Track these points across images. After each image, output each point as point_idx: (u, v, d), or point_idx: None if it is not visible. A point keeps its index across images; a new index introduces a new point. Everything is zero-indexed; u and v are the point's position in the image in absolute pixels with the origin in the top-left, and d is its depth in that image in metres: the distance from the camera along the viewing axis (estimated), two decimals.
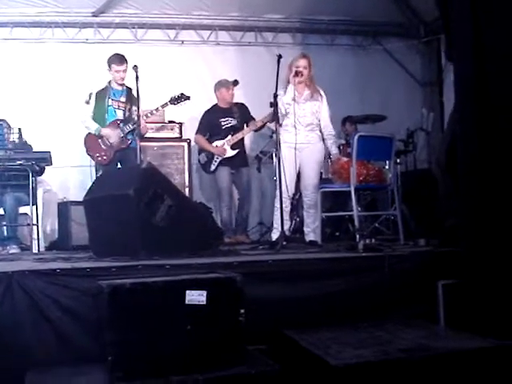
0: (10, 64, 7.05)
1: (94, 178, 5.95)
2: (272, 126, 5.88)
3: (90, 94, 6.01)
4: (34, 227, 5.51)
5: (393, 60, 8.10)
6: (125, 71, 5.97)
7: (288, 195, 5.25)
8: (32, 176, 5.33)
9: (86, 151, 6.03)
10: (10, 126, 5.75)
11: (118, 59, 5.97)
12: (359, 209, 5.29)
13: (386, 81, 7.88)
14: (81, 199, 5.79)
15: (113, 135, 5.92)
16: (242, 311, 2.92)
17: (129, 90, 6.05)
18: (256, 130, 6.55)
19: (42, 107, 6.96)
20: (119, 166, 6.01)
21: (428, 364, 2.82)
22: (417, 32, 8.11)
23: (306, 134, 5.39)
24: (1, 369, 2.98)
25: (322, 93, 5.47)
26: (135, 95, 5.88)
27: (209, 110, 6.63)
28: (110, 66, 5.99)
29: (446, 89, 7.89)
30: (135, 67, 5.45)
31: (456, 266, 3.63)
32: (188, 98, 6.10)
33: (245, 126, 6.52)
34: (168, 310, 2.82)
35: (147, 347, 2.76)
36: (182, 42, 7.58)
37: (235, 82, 6.66)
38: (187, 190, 6.68)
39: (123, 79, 6.01)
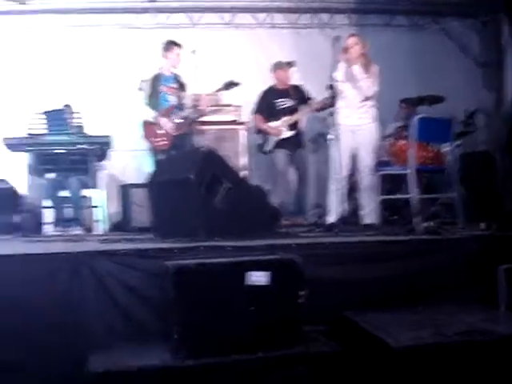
0: (69, 50, 7.23)
1: (151, 162, 6.10)
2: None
3: (143, 81, 6.11)
4: (97, 209, 5.68)
5: (451, 40, 7.93)
6: (179, 55, 6.06)
7: (341, 177, 5.24)
8: (94, 160, 5.49)
9: (144, 137, 6.14)
10: (73, 111, 5.91)
11: (177, 44, 6.07)
12: (417, 191, 5.23)
13: (444, 61, 7.73)
14: (139, 182, 6.01)
15: (169, 122, 6.01)
16: (303, 292, 2.97)
17: (178, 75, 6.13)
18: (313, 113, 6.54)
19: (100, 92, 7.12)
20: (175, 151, 6.09)
21: (487, 347, 2.82)
22: (475, 11, 7.92)
23: (359, 116, 5.37)
24: (67, 347, 3.10)
25: (375, 69, 5.39)
26: (184, 81, 6.01)
27: (266, 91, 6.66)
28: (168, 49, 6.07)
29: (505, 69, 7.69)
30: (193, 52, 5.51)
31: None
32: (238, 84, 6.12)
33: (302, 107, 6.52)
34: (231, 290, 2.89)
35: (211, 326, 2.84)
36: (238, 25, 7.61)
37: (291, 64, 6.66)
38: (244, 172, 6.74)
39: (178, 64, 6.09)
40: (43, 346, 3.07)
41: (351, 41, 5.35)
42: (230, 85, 6.11)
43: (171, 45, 6.09)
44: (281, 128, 6.45)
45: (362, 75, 5.30)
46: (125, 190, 6.14)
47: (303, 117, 6.64)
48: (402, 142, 5.51)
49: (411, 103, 6.76)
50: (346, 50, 5.26)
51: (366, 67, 5.34)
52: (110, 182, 6.74)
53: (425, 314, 3.31)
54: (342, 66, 5.28)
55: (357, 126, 5.32)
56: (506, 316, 3.36)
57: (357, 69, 5.30)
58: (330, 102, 5.24)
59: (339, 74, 5.24)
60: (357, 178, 5.55)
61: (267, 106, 6.57)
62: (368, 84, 5.31)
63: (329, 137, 6.01)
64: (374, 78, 5.35)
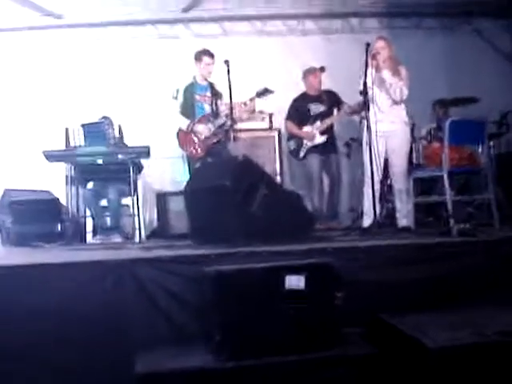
0: (104, 63, 7.41)
1: (186, 170, 6.20)
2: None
3: (178, 90, 6.17)
4: (135, 217, 5.82)
5: (483, 40, 7.88)
6: (212, 64, 6.15)
7: (376, 181, 5.27)
8: (132, 169, 5.63)
9: (179, 145, 6.23)
10: (112, 123, 6.07)
11: (209, 53, 6.16)
12: (452, 193, 5.24)
13: (477, 62, 7.67)
14: (176, 190, 6.13)
15: (204, 130, 6.11)
16: (339, 295, 3.02)
17: (212, 84, 6.24)
18: (345, 118, 6.59)
19: (136, 102, 7.27)
20: (210, 159, 6.15)
21: None
22: (508, 11, 7.85)
23: (391, 120, 5.39)
24: (113, 349, 3.21)
25: (404, 72, 5.39)
26: (219, 89, 6.11)
27: (298, 97, 6.74)
28: (200, 58, 6.17)
29: None
30: (226, 62, 5.60)
31: None
32: (272, 91, 6.18)
33: (334, 112, 6.57)
34: (269, 294, 2.96)
35: (249, 330, 2.91)
36: (270, 33, 7.70)
37: (322, 69, 6.71)
38: (278, 178, 6.82)
39: (211, 73, 6.19)
40: (89, 351, 3.18)
41: (379, 45, 5.36)
42: (264, 92, 6.17)
43: (201, 54, 6.19)
44: (314, 133, 6.51)
45: (392, 79, 5.31)
46: (162, 197, 6.26)
47: (336, 121, 6.69)
48: (435, 145, 5.53)
49: (445, 104, 6.76)
50: (373, 55, 5.27)
51: (395, 70, 5.35)
52: (147, 190, 6.88)
53: (462, 315, 3.32)
54: (370, 72, 5.29)
55: (389, 131, 5.35)
56: None
57: (386, 73, 5.32)
58: (362, 107, 5.26)
59: (369, 79, 5.26)
60: (391, 181, 5.57)
61: (300, 111, 6.64)
62: (398, 88, 5.31)
63: (363, 141, 6.10)
64: (404, 81, 5.35)
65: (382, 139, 5.31)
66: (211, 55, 6.16)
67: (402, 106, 5.43)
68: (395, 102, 5.36)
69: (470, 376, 2.80)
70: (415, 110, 5.84)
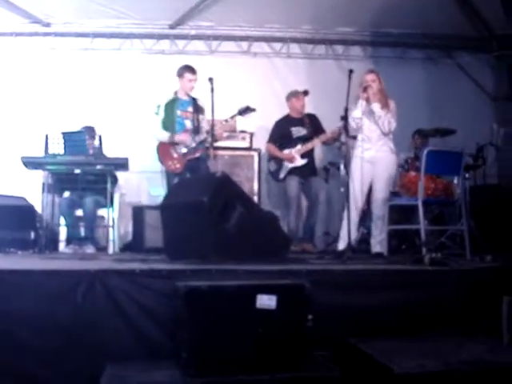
0: (89, 73, 7.41)
1: (165, 184, 6.21)
2: (342, 138, 5.99)
3: (159, 106, 6.20)
4: (110, 229, 5.80)
5: (464, 74, 8.03)
6: (196, 81, 6.19)
7: (355, 207, 5.33)
8: (110, 181, 5.62)
9: (159, 159, 6.22)
10: (94, 133, 6.07)
11: (192, 69, 6.21)
12: (426, 222, 5.31)
13: (457, 95, 7.81)
14: (152, 203, 6.13)
15: (185, 144, 6.13)
16: (310, 317, 3.04)
17: (195, 99, 6.27)
18: (325, 143, 6.67)
19: (118, 115, 7.28)
20: (189, 174, 6.18)
21: (490, 377, 2.87)
22: (488, 46, 8.03)
23: (377, 149, 5.46)
24: (81, 361, 3.18)
25: (393, 105, 5.49)
26: (201, 105, 6.15)
27: (280, 119, 6.80)
28: (182, 74, 6.20)
29: None
30: (210, 79, 5.63)
31: None
32: (253, 110, 6.21)
33: (315, 136, 6.63)
34: (240, 312, 2.96)
35: (219, 347, 2.91)
36: (255, 54, 7.79)
37: (305, 92, 6.78)
38: (256, 198, 6.85)
39: (192, 89, 6.23)
40: (56, 360, 3.15)
41: (369, 77, 5.45)
42: (246, 110, 6.21)
43: (183, 70, 6.22)
44: (295, 155, 6.56)
45: (381, 112, 5.39)
46: (138, 211, 6.25)
47: (317, 146, 6.74)
48: (412, 174, 5.62)
49: (423, 135, 6.86)
50: (364, 88, 5.37)
51: (384, 103, 5.44)
52: (124, 203, 6.86)
53: (429, 343, 3.36)
54: (360, 105, 5.39)
55: (375, 158, 5.41)
56: (509, 347, 3.41)
57: (376, 106, 5.40)
58: (343, 133, 5.33)
59: (358, 111, 5.35)
60: (370, 207, 5.62)
61: (282, 134, 6.69)
62: (387, 120, 5.39)
63: (341, 166, 6.17)
64: (392, 114, 5.43)
65: (367, 165, 5.37)
66: (193, 71, 6.20)
67: (390, 136, 5.50)
68: (383, 133, 5.44)
69: None
70: (394, 138, 5.92)
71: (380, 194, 5.41)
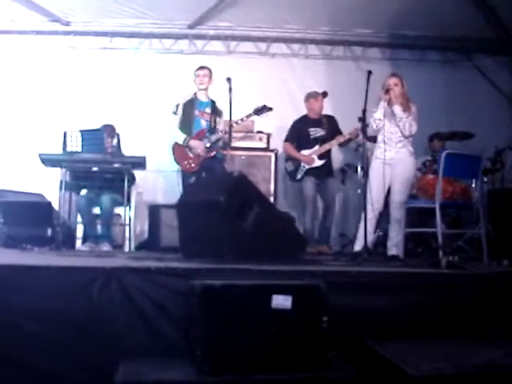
0: (108, 72, 7.47)
1: (181, 183, 6.24)
2: (359, 139, 5.98)
3: (178, 105, 6.28)
4: (127, 227, 5.83)
5: (482, 77, 7.98)
6: (205, 76, 6.27)
7: (373, 208, 5.30)
8: (127, 179, 5.65)
9: (174, 159, 6.28)
10: (114, 131, 6.11)
11: (203, 67, 6.35)
12: (443, 226, 5.27)
13: (475, 98, 7.77)
14: (168, 203, 6.15)
15: (200, 145, 6.16)
16: (325, 318, 3.03)
17: (213, 102, 6.32)
18: (342, 144, 6.66)
19: (136, 114, 7.32)
20: (204, 174, 6.22)
21: (506, 381, 2.84)
22: (507, 48, 7.97)
23: (397, 150, 5.42)
24: (95, 358, 3.20)
25: (414, 108, 5.46)
26: (219, 107, 6.20)
27: (298, 119, 6.80)
28: (196, 74, 6.33)
29: None
30: (228, 79, 5.66)
31: None
32: (270, 109, 6.25)
33: (333, 137, 6.62)
34: (255, 311, 2.95)
35: (234, 345, 2.91)
36: (273, 55, 7.79)
37: (324, 94, 6.78)
38: (272, 198, 6.84)
39: (202, 84, 6.28)
40: (71, 356, 3.17)
41: (392, 81, 5.43)
42: (262, 110, 6.23)
43: (198, 70, 6.34)
44: (312, 156, 6.55)
45: (402, 114, 5.37)
46: (154, 209, 6.28)
47: (334, 147, 6.73)
48: (429, 177, 5.58)
49: (441, 138, 6.82)
50: (387, 90, 5.36)
51: (406, 106, 5.41)
52: (140, 201, 6.89)
53: (445, 346, 3.33)
54: (382, 105, 5.38)
55: (394, 159, 5.38)
56: None
57: (397, 108, 5.37)
58: (360, 134, 5.31)
59: (379, 112, 5.34)
60: (388, 209, 5.59)
61: (299, 134, 6.69)
62: (408, 123, 5.36)
63: (358, 168, 6.14)
64: (414, 117, 5.41)
65: (387, 167, 5.34)
66: (205, 68, 6.31)
67: (410, 139, 5.47)
68: (404, 136, 5.41)
69: None
70: (413, 141, 5.89)
71: (398, 196, 5.38)
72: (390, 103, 5.40)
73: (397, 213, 5.36)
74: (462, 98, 7.75)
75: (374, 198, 5.19)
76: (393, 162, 5.39)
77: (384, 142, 5.37)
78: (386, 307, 3.59)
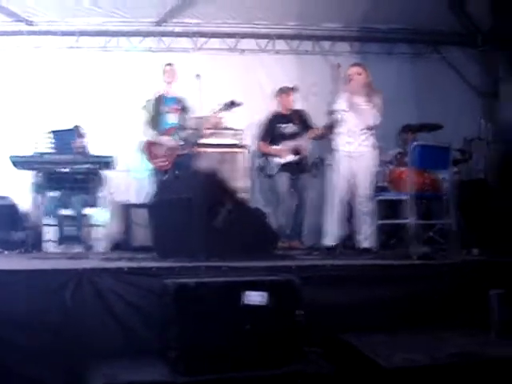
0: (76, 71, 7.33)
1: (154, 181, 6.19)
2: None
3: (148, 101, 6.26)
4: (98, 228, 5.77)
5: (451, 69, 8.04)
6: (172, 72, 6.30)
7: (339, 201, 5.30)
8: (97, 179, 5.59)
9: (146, 157, 6.24)
10: (82, 132, 6.04)
11: (169, 63, 6.37)
12: (414, 217, 5.31)
13: (444, 90, 7.82)
14: (140, 202, 6.10)
15: (170, 142, 6.12)
16: (300, 313, 3.04)
17: (182, 98, 6.28)
18: (316, 138, 6.65)
19: (105, 113, 7.21)
20: (176, 172, 6.17)
21: (477, 370, 2.88)
22: (475, 41, 8.05)
23: (359, 143, 5.43)
24: (69, 359, 3.17)
25: (379, 99, 5.44)
26: (188, 104, 6.19)
27: (270, 116, 6.78)
28: (164, 71, 6.33)
29: (503, 99, 7.80)
30: (197, 76, 5.63)
31: (508, 276, 3.66)
32: (239, 104, 6.23)
33: (305, 132, 6.62)
34: (229, 309, 2.96)
35: (208, 344, 2.90)
36: (242, 50, 7.76)
37: (294, 89, 6.78)
38: (245, 194, 6.82)
39: (168, 81, 6.28)
40: (45, 359, 3.15)
41: (353, 70, 5.39)
42: (231, 105, 6.21)
43: (166, 66, 6.33)
44: (285, 152, 6.54)
45: (365, 106, 5.36)
46: (126, 209, 6.22)
47: (306, 142, 6.73)
48: (400, 169, 5.61)
49: (411, 130, 6.86)
50: (348, 80, 5.33)
51: (370, 97, 5.38)
52: (112, 201, 6.82)
53: (418, 337, 3.37)
54: (344, 96, 5.34)
55: (356, 153, 5.39)
56: (496, 339, 3.42)
57: (360, 99, 5.36)
58: (331, 129, 5.31)
59: (341, 103, 5.31)
60: (355, 203, 5.61)
61: (272, 130, 6.67)
62: (371, 114, 5.35)
63: (327, 162, 6.15)
64: (378, 108, 5.39)
65: (349, 160, 5.34)
66: (171, 64, 6.34)
67: (373, 131, 5.47)
68: (367, 127, 5.40)
69: None
70: (382, 134, 5.92)
71: (363, 189, 5.39)
72: (352, 93, 5.37)
73: (364, 206, 5.37)
74: (431, 90, 7.79)
75: (338, 191, 5.17)
76: (355, 156, 5.38)
77: (346, 134, 5.35)
78: (360, 300, 3.62)
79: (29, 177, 5.81)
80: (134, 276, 3.42)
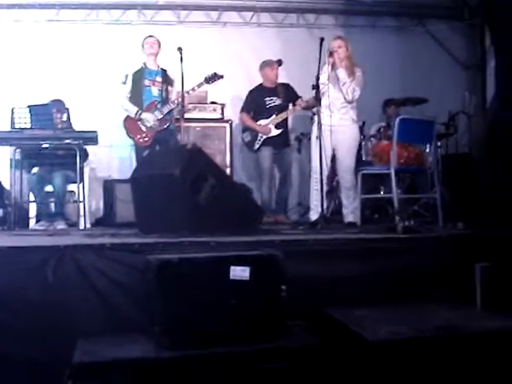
0: (55, 45, 7.23)
1: (135, 158, 6.13)
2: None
3: (127, 75, 6.17)
4: (81, 204, 5.71)
5: (436, 42, 8.01)
6: (154, 43, 6.21)
7: (323, 176, 5.28)
8: (79, 155, 5.51)
9: (127, 133, 6.18)
10: (64, 106, 5.94)
11: (152, 36, 6.27)
12: (399, 191, 5.31)
13: (429, 63, 7.80)
14: (123, 177, 6.04)
15: (151, 117, 6.04)
16: (284, 287, 3.02)
17: (164, 70, 6.20)
18: (303, 109, 6.59)
19: (86, 88, 7.13)
20: (158, 147, 6.12)
21: (463, 342, 2.89)
22: (460, 14, 8.02)
23: (340, 117, 5.41)
24: (52, 337, 3.14)
25: (360, 73, 5.43)
26: (171, 76, 6.10)
27: (254, 89, 6.72)
28: (143, 43, 6.23)
29: (488, 72, 7.78)
30: (179, 49, 5.55)
31: (493, 249, 3.67)
32: (221, 76, 6.17)
33: (290, 105, 6.57)
34: (213, 284, 2.93)
35: (193, 319, 2.88)
36: (225, 23, 7.67)
37: (279, 62, 6.71)
38: (228, 170, 6.79)
39: (151, 49, 6.20)
40: (28, 337, 3.10)
41: (336, 43, 5.40)
42: (213, 78, 6.14)
43: (144, 39, 6.25)
44: (269, 126, 6.49)
45: (346, 79, 5.35)
46: (109, 185, 6.16)
47: (290, 115, 6.69)
48: (384, 143, 5.60)
49: (395, 104, 6.84)
50: (331, 53, 5.31)
51: (351, 70, 5.38)
52: (94, 177, 6.76)
53: (403, 311, 3.38)
54: (326, 69, 5.32)
55: (337, 126, 5.37)
56: (482, 313, 3.44)
57: (341, 72, 5.35)
58: (315, 102, 5.27)
59: (323, 76, 5.28)
60: (338, 177, 5.60)
61: (255, 104, 6.61)
62: (351, 88, 5.35)
63: (311, 136, 6.12)
64: (358, 82, 5.39)
65: (329, 133, 5.31)
66: (153, 36, 6.25)
67: (354, 104, 5.46)
68: (347, 101, 5.39)
69: (409, 370, 2.85)
70: (366, 108, 5.90)
71: (344, 163, 5.40)
72: (333, 67, 5.36)
73: (346, 180, 5.39)
74: (415, 64, 7.77)
75: (320, 165, 5.14)
76: (335, 129, 5.36)
77: (327, 108, 5.33)
78: (345, 274, 3.61)
79: (7, 153, 5.71)
80: (116, 252, 3.37)
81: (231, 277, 2.94)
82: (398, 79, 7.63)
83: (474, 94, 7.46)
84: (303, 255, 3.58)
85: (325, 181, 5.28)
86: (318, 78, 5.07)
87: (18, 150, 5.55)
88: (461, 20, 8.05)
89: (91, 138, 5.53)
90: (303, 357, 2.93)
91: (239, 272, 2.95)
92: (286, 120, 6.62)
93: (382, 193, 6.06)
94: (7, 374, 3.07)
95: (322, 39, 5.06)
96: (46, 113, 5.50)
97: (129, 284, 3.29)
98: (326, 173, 5.31)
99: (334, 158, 5.49)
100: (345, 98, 5.38)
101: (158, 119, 6.04)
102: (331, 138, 5.31)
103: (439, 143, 6.48)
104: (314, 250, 3.66)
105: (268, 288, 3.01)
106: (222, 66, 6.74)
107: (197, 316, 2.89)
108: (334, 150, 5.41)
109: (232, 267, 2.95)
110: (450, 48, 8.06)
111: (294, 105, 6.53)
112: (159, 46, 6.22)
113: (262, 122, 6.53)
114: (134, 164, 5.99)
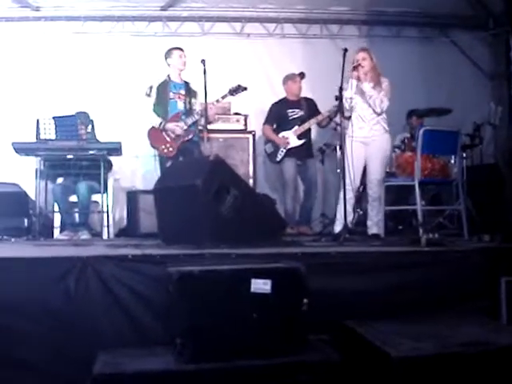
0: (81, 57, 7.31)
1: (159, 168, 6.15)
2: (337, 118, 5.92)
3: (151, 87, 6.14)
4: (105, 214, 5.75)
5: (460, 52, 7.95)
6: (185, 57, 6.16)
7: (352, 188, 5.26)
8: (103, 166, 5.56)
9: (151, 144, 6.17)
10: (88, 118, 5.99)
11: (178, 48, 6.20)
12: (423, 203, 5.26)
13: (453, 73, 7.75)
14: (146, 188, 6.07)
15: (176, 128, 6.06)
16: (305, 301, 2.99)
17: (187, 83, 6.21)
18: (322, 125, 6.60)
19: (110, 99, 7.20)
20: (181, 158, 6.12)
21: (487, 358, 2.83)
22: (485, 24, 7.93)
23: (370, 128, 5.39)
24: (74, 349, 3.14)
25: (386, 83, 5.39)
26: (194, 88, 6.09)
27: (277, 101, 6.74)
28: (170, 54, 6.18)
29: None
30: (203, 61, 5.56)
31: None
32: (245, 88, 6.16)
33: (312, 117, 6.56)
34: (234, 297, 2.91)
35: (213, 332, 2.86)
36: (248, 35, 7.69)
37: (301, 75, 6.72)
38: (251, 181, 6.79)
39: (184, 65, 6.16)
40: (49, 347, 3.12)
41: (360, 56, 5.37)
42: (237, 90, 6.14)
43: (170, 50, 6.21)
44: (288, 139, 6.49)
45: (372, 92, 5.32)
46: (132, 195, 6.19)
47: (313, 126, 6.67)
48: (408, 154, 5.55)
49: (419, 115, 6.79)
50: (355, 67, 5.29)
51: (376, 81, 5.35)
52: (118, 188, 6.80)
53: (427, 325, 3.32)
54: (351, 83, 5.31)
55: (369, 138, 5.35)
56: (507, 328, 3.38)
57: (366, 86, 5.32)
58: (338, 114, 5.25)
59: (349, 91, 5.27)
60: (366, 188, 5.56)
61: (278, 116, 6.63)
62: (379, 100, 5.31)
63: (337, 147, 6.10)
64: (385, 92, 5.35)
65: (361, 145, 5.30)
66: (181, 49, 6.19)
67: (384, 115, 5.42)
68: (376, 113, 5.36)
69: None
70: (390, 118, 5.85)
71: (374, 175, 5.35)
72: (359, 80, 5.34)
73: (374, 192, 5.33)
74: (439, 74, 7.71)
75: (350, 178, 5.13)
76: (367, 141, 5.35)
77: (357, 120, 5.32)
78: (367, 287, 3.57)
79: (33, 164, 5.77)
80: (138, 264, 3.38)
81: (252, 290, 2.92)
82: (421, 90, 7.58)
83: (500, 105, 7.36)
84: (325, 268, 3.55)
85: (353, 192, 5.26)
86: (341, 89, 5.04)
87: (43, 161, 5.61)
88: (485, 29, 7.97)
89: (115, 149, 5.59)
90: (325, 371, 2.90)
91: (261, 285, 2.93)
92: (308, 131, 6.61)
93: (406, 204, 5.99)
94: (24, 382, 3.09)
95: (345, 50, 5.04)
96: (71, 124, 5.57)
97: (150, 295, 3.30)
98: (355, 184, 5.29)
99: (363, 170, 5.44)
100: (374, 111, 5.35)
101: (183, 130, 6.05)
102: (363, 149, 5.29)
103: (464, 154, 6.41)
104: (336, 263, 3.62)
105: (290, 301, 2.99)
106: (246, 77, 6.77)
107: (218, 329, 2.87)
108: (365, 162, 5.37)
109: (253, 280, 2.93)
110: (475, 58, 7.99)
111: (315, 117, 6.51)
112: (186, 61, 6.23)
113: (285, 133, 6.53)
114: (158, 175, 6.00)
